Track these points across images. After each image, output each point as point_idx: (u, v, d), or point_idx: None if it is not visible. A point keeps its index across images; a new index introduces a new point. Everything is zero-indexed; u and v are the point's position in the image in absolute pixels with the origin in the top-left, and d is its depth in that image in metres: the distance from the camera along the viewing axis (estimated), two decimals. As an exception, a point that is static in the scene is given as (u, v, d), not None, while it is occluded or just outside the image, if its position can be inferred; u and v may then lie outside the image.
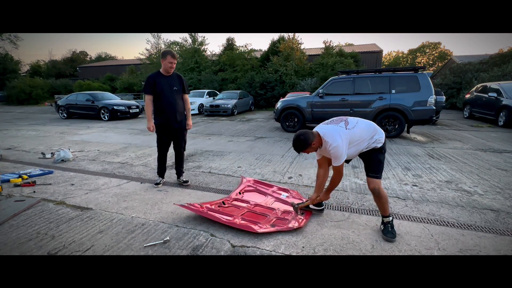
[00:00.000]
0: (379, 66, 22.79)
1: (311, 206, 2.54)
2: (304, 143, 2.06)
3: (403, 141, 6.08)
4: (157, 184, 3.31)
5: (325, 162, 2.37)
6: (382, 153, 2.15)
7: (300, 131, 2.12)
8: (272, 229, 2.21)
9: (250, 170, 3.95)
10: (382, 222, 2.21)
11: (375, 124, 2.20)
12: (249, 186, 3.15)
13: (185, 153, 4.84)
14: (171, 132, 3.21)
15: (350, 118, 2.18)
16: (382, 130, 2.19)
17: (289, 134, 7.09)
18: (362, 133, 2.10)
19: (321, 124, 2.26)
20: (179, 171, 3.41)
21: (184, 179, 3.38)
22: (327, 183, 2.41)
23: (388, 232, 2.13)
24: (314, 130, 2.16)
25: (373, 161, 2.14)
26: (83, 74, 32.37)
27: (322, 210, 2.55)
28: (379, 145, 2.12)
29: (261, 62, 18.86)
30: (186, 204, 2.52)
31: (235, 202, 2.72)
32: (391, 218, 2.20)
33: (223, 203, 2.66)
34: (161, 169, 3.39)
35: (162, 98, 3.07)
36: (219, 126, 9.05)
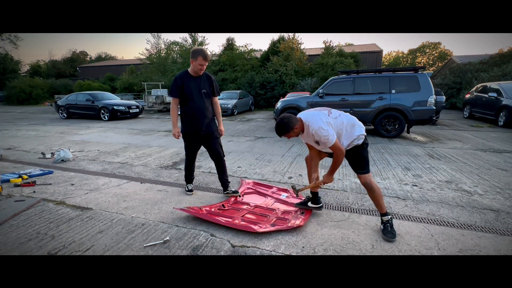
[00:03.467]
0: (379, 66, 22.78)
1: (309, 204, 2.54)
2: (286, 127, 2.08)
3: (403, 141, 6.08)
4: (189, 190, 3.07)
5: (313, 147, 2.38)
6: (365, 148, 2.19)
7: (284, 114, 2.16)
8: (272, 228, 2.21)
9: (250, 170, 3.95)
10: (382, 222, 2.21)
11: (356, 119, 2.24)
12: (248, 188, 3.15)
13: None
14: (198, 139, 2.90)
15: (333, 110, 2.22)
16: (362, 125, 2.22)
17: (289, 134, 7.09)
18: (342, 125, 2.13)
19: (304, 111, 2.28)
20: (224, 182, 3.00)
21: (233, 189, 2.99)
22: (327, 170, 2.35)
23: (387, 232, 2.13)
24: (297, 116, 2.20)
25: (358, 159, 2.20)
26: (83, 74, 32.36)
27: (321, 207, 2.54)
28: (360, 142, 2.16)
29: (261, 62, 18.86)
30: (185, 208, 2.52)
31: (235, 205, 2.72)
32: (389, 217, 2.20)
33: (223, 206, 2.65)
34: (189, 178, 3.10)
35: (190, 102, 2.75)
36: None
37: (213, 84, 2.84)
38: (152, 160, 4.56)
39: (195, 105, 2.75)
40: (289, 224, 2.27)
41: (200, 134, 2.84)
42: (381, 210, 2.22)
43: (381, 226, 2.20)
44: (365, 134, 2.19)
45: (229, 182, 3.06)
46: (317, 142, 2.12)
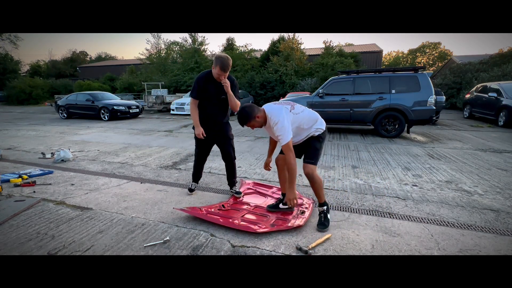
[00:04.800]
0: (379, 66, 22.78)
1: (281, 206, 2.55)
2: (248, 115, 2.13)
3: (403, 141, 6.08)
4: (190, 190, 3.05)
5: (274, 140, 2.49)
6: (319, 142, 2.26)
7: (246, 104, 2.24)
8: (272, 228, 2.21)
9: (250, 170, 3.95)
10: (318, 213, 2.28)
11: (319, 116, 2.33)
12: (248, 188, 3.15)
13: (185, 153, 4.83)
14: (211, 136, 2.82)
15: (297, 105, 2.27)
16: (324, 122, 2.31)
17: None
18: (304, 120, 2.21)
19: (269, 103, 2.33)
20: (232, 182, 3.00)
21: (237, 189, 2.99)
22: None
23: (320, 223, 2.23)
24: (261, 107, 2.25)
25: (309, 148, 2.26)
26: (83, 74, 32.37)
27: (291, 208, 2.51)
28: (317, 134, 2.23)
29: (261, 62, 18.87)
30: (185, 208, 2.52)
31: (234, 205, 2.72)
32: (325, 207, 2.28)
33: (223, 206, 2.65)
34: (196, 176, 3.07)
35: (205, 104, 2.73)
36: (219, 126, 9.03)
37: (234, 89, 2.72)
38: (152, 160, 4.56)
39: (208, 110, 2.74)
40: (289, 224, 2.27)
41: (214, 130, 2.80)
42: (319, 199, 2.30)
43: (317, 217, 2.30)
44: (325, 129, 2.28)
45: (237, 182, 3.07)
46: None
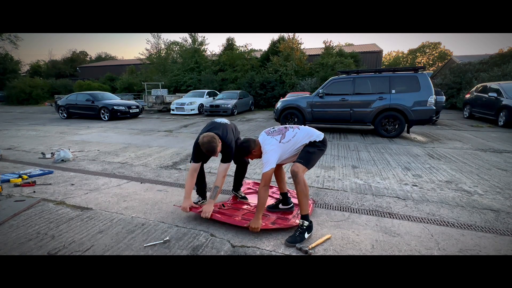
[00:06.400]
0: (379, 66, 22.77)
1: (280, 206, 2.58)
2: (246, 150, 2.26)
3: (403, 141, 6.08)
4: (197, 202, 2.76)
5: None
6: (313, 147, 2.25)
7: (244, 138, 2.33)
8: (272, 226, 2.22)
9: (250, 170, 3.95)
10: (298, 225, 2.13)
11: (316, 131, 2.32)
12: (249, 188, 3.15)
13: (185, 153, 4.84)
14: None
15: (288, 132, 2.29)
16: (320, 134, 2.29)
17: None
18: (297, 141, 2.25)
19: (264, 132, 2.38)
20: (239, 185, 2.93)
21: (242, 195, 2.91)
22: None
23: (292, 236, 2.06)
24: (257, 138, 2.36)
25: (302, 152, 2.26)
26: (83, 74, 32.35)
27: (292, 207, 2.58)
28: (307, 141, 2.24)
29: (261, 62, 18.85)
30: None
31: (235, 205, 2.72)
32: (307, 223, 2.10)
33: (223, 205, 2.65)
34: (202, 192, 2.86)
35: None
36: (219, 126, 9.02)
37: (224, 155, 2.50)
38: (152, 160, 4.56)
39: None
40: (289, 222, 2.28)
41: None
42: (301, 210, 2.14)
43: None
44: (320, 140, 2.26)
45: (242, 185, 3.03)
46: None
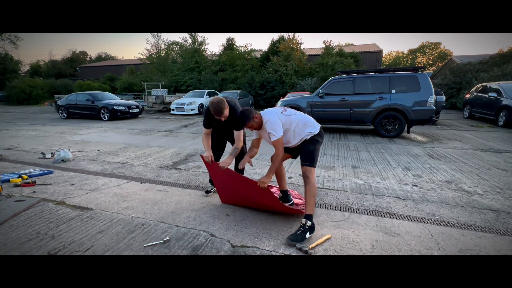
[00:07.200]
0: (379, 66, 22.76)
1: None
2: (248, 116, 2.24)
3: (403, 141, 6.08)
4: (207, 192, 3.05)
5: (257, 144, 2.54)
6: (313, 144, 2.27)
7: (243, 108, 2.35)
8: (279, 201, 2.37)
9: (250, 170, 3.95)
10: (300, 223, 2.14)
11: (312, 119, 2.38)
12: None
13: (185, 153, 4.84)
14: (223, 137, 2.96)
15: (289, 109, 2.40)
16: (316, 125, 2.35)
17: (289, 134, 7.09)
18: (296, 122, 2.28)
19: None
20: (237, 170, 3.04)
21: None
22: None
23: (294, 234, 2.06)
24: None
25: (303, 151, 2.30)
26: (83, 74, 32.36)
27: (292, 205, 2.61)
28: (309, 137, 2.27)
29: (261, 62, 18.86)
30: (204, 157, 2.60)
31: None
32: (310, 223, 2.11)
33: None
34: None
35: (217, 130, 2.89)
36: (219, 126, 9.03)
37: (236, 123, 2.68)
38: (152, 160, 4.56)
39: (218, 131, 2.91)
40: (296, 208, 2.42)
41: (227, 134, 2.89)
42: (307, 209, 2.18)
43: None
44: (317, 133, 2.29)
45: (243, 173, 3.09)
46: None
